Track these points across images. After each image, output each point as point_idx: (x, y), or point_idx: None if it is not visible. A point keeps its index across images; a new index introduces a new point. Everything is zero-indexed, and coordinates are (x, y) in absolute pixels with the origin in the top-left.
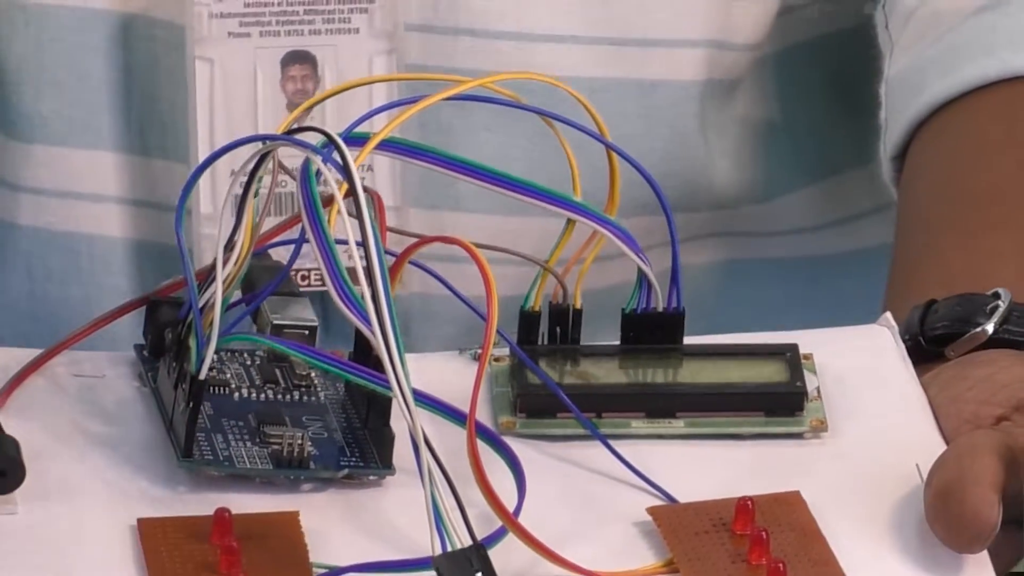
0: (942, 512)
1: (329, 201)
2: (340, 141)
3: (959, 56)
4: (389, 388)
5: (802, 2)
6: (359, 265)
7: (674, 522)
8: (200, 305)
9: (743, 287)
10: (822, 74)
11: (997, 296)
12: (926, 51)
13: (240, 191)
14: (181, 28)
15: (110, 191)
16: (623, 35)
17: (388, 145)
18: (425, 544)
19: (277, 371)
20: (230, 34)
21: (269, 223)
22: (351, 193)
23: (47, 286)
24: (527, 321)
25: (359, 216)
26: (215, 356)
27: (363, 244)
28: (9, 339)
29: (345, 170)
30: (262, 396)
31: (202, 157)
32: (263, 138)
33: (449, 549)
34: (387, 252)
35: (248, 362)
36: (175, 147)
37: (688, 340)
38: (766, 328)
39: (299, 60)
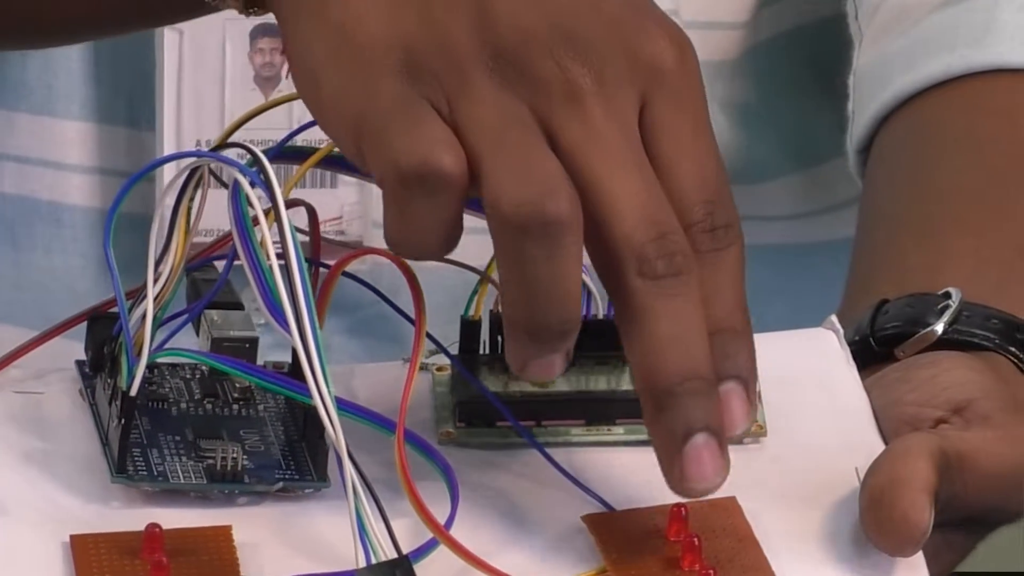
0: (874, 516)
1: (266, 213)
2: (265, 161)
3: (922, 51)
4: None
5: None
6: (279, 278)
7: (608, 529)
8: (133, 321)
9: None
10: (804, 63)
11: (948, 296)
12: (891, 44)
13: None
14: None
15: (93, 161)
16: None
17: (330, 162)
18: (354, 556)
19: (218, 384)
20: None
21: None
22: (275, 212)
23: (31, 256)
24: (468, 329)
25: (281, 234)
26: (155, 370)
27: (285, 259)
28: None
29: (269, 191)
30: (200, 410)
31: (168, 128)
32: (194, 154)
33: (374, 561)
34: (321, 264)
35: (189, 375)
36: (157, 118)
37: None
38: (752, 313)
39: (268, 33)
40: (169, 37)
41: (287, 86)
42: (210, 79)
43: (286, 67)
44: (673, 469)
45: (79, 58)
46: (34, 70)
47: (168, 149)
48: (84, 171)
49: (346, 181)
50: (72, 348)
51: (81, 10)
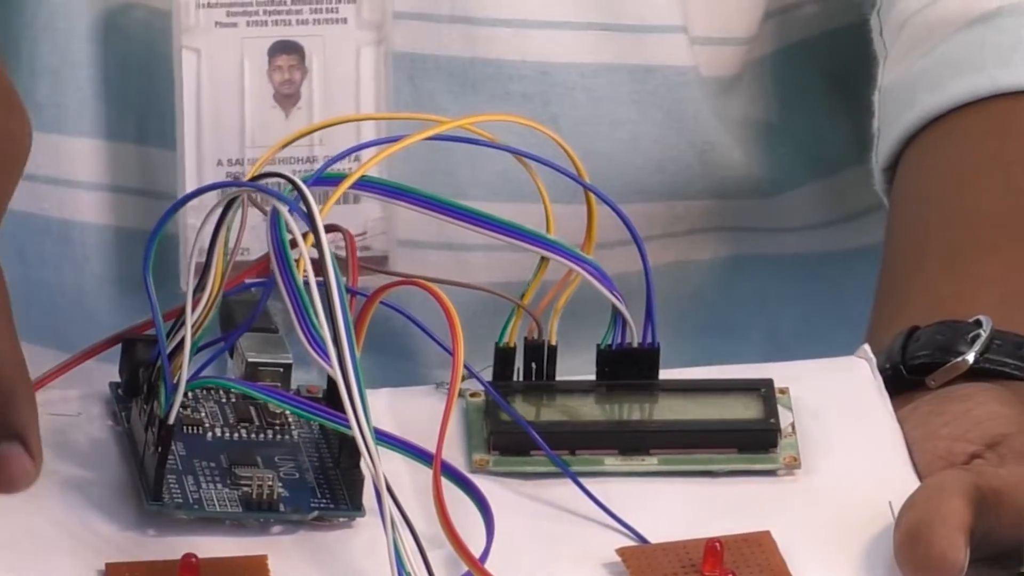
0: (910, 554)
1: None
2: (306, 190)
3: (949, 71)
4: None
5: (799, 0)
6: (320, 308)
7: (643, 563)
8: (170, 349)
9: (746, 284)
10: (821, 72)
11: (979, 324)
12: (917, 63)
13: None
14: (171, 15)
15: (103, 179)
16: (617, 20)
17: (363, 185)
18: None
19: (251, 409)
20: (217, 24)
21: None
22: (315, 238)
23: (41, 273)
24: (502, 357)
25: (322, 264)
26: (190, 394)
27: (326, 289)
28: None
29: (310, 219)
30: (235, 436)
31: (188, 147)
32: (232, 184)
33: None
34: (357, 292)
35: (223, 399)
36: (168, 135)
37: (667, 372)
38: (767, 325)
39: (286, 50)
40: (187, 57)
41: (306, 103)
42: (229, 98)
43: (305, 84)
44: None
45: (88, 76)
46: (44, 88)
47: (190, 169)
48: (94, 188)
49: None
50: (88, 368)
51: None
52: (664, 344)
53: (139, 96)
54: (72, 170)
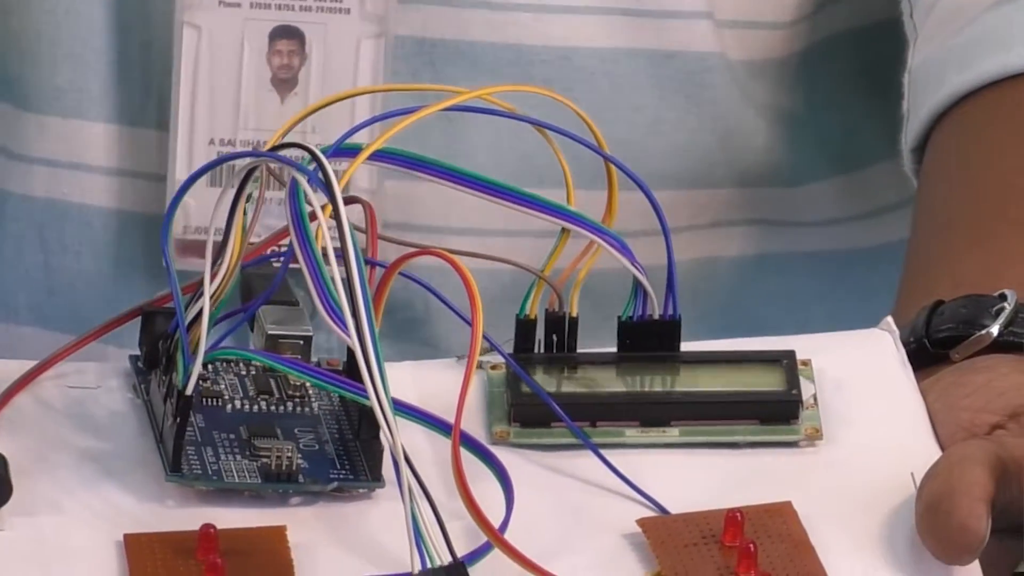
0: (931, 524)
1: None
2: (324, 159)
3: (978, 49)
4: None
5: None
6: (339, 279)
7: (663, 534)
8: (190, 320)
9: (771, 279)
10: (851, 68)
11: (1004, 298)
12: (946, 43)
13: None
14: None
15: (123, 164)
16: (637, 5)
17: (381, 156)
18: (409, 559)
19: (271, 381)
20: (220, 3)
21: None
22: (334, 210)
23: (61, 258)
24: (523, 329)
25: (340, 233)
26: (210, 367)
27: (344, 259)
28: (24, 310)
29: (328, 189)
30: (255, 407)
31: (182, 122)
32: (250, 154)
33: (429, 567)
34: (376, 263)
35: (243, 372)
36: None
37: (687, 345)
38: (793, 321)
39: (287, 35)
40: (188, 33)
41: (303, 90)
42: (226, 78)
43: (304, 70)
44: None
45: (108, 61)
46: (65, 74)
47: (181, 147)
48: (114, 174)
49: (357, 187)
50: (103, 352)
51: None
52: (689, 340)
53: (160, 81)
54: (93, 156)
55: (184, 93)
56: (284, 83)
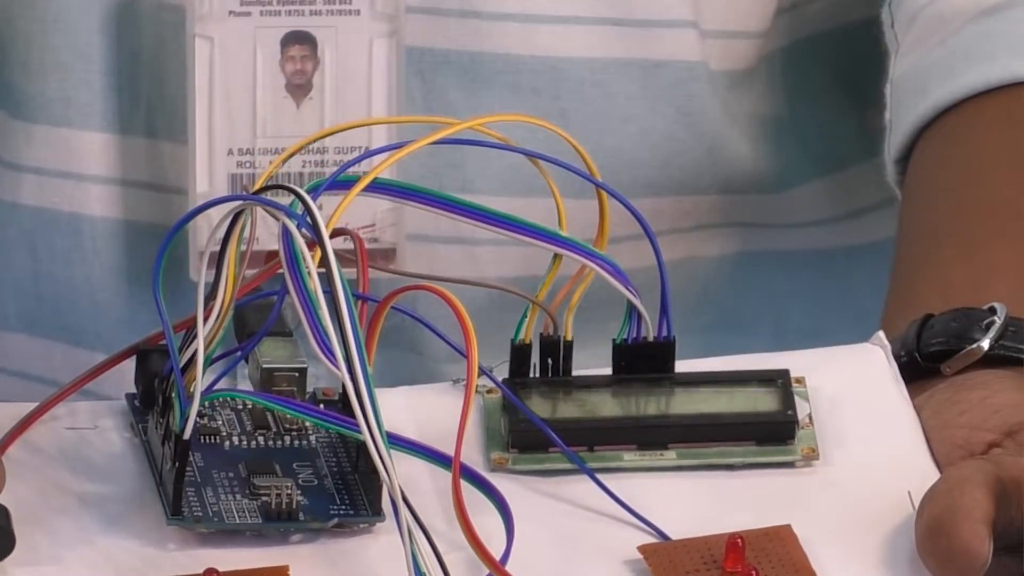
0: (933, 546)
1: (312, 246)
2: (310, 202)
3: (962, 61)
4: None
5: None
6: (329, 323)
7: (665, 561)
8: (184, 362)
9: (754, 280)
10: (830, 69)
11: (993, 311)
12: (929, 54)
13: (217, 247)
14: (182, 8)
15: (113, 172)
16: (626, 15)
17: (375, 187)
18: None
19: (268, 416)
20: (231, 12)
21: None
22: (322, 253)
23: (51, 267)
24: (518, 354)
25: (329, 277)
26: (206, 404)
27: (334, 301)
28: (14, 318)
29: (316, 234)
30: (253, 443)
31: (200, 136)
32: (240, 198)
33: None
34: (367, 298)
35: (240, 407)
36: (178, 129)
37: (682, 364)
38: (775, 321)
39: (299, 40)
40: (200, 45)
41: (318, 94)
42: (241, 87)
43: (317, 75)
44: None
45: (98, 70)
46: (53, 83)
47: (200, 159)
48: (104, 182)
49: None
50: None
51: None
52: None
53: (149, 89)
54: (82, 164)
55: (200, 105)
56: (299, 88)
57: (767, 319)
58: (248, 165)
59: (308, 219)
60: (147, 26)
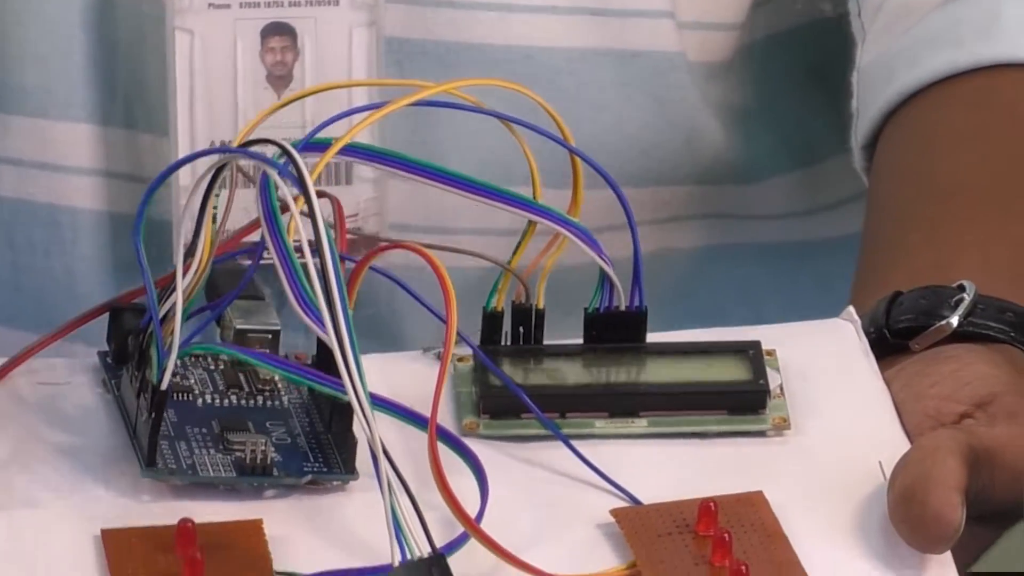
0: (906, 514)
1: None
2: (295, 153)
3: (928, 47)
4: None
5: None
6: (313, 272)
7: (637, 524)
8: (161, 315)
9: (728, 271)
10: (800, 63)
11: (962, 288)
12: (896, 41)
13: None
14: (162, 0)
15: (92, 163)
16: (602, 5)
17: (351, 150)
18: (387, 550)
19: (241, 376)
20: (210, 5)
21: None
22: (307, 202)
23: (30, 258)
24: (490, 321)
25: (314, 225)
26: (178, 362)
27: (318, 251)
28: None
29: (301, 183)
30: (225, 402)
31: (181, 129)
32: (220, 151)
33: (409, 558)
34: (346, 257)
35: (212, 367)
36: (157, 120)
37: (653, 336)
38: (750, 313)
39: (279, 32)
40: (180, 38)
41: (299, 85)
42: (222, 79)
43: (298, 65)
44: None
45: (77, 61)
46: (32, 75)
47: (183, 151)
48: (82, 173)
49: (362, 177)
50: (70, 350)
51: None
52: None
53: (128, 81)
54: (61, 155)
55: (182, 98)
56: (279, 80)
57: (742, 312)
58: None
59: (291, 169)
60: (126, 18)
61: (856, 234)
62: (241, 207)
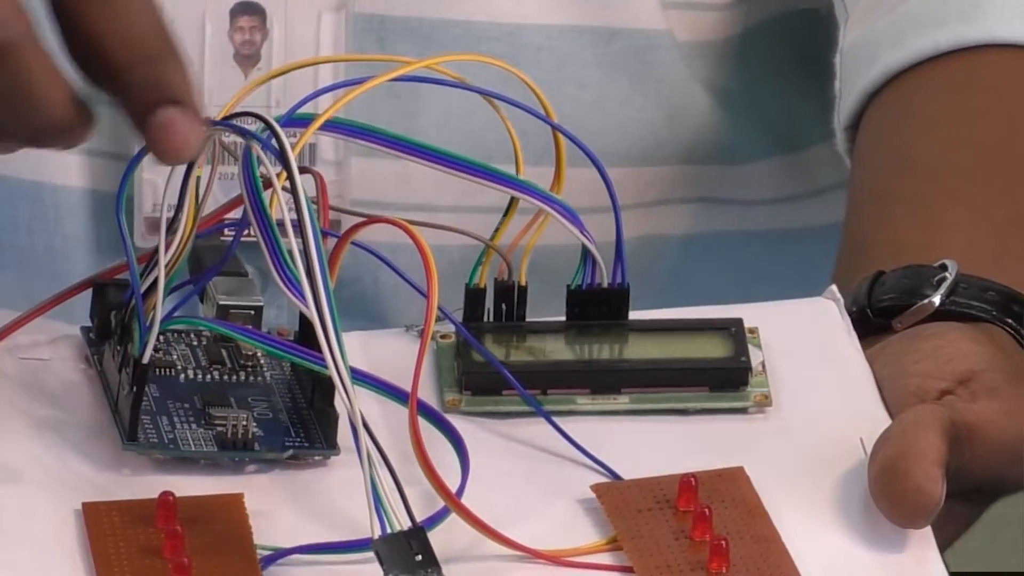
0: (886, 488)
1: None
2: (277, 127)
3: (911, 27)
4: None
5: None
6: (295, 247)
7: (617, 499)
8: (144, 289)
9: (714, 256)
10: (789, 50)
11: (944, 268)
12: (878, 22)
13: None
14: None
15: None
16: None
17: (331, 126)
18: (367, 525)
19: (223, 351)
20: None
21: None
22: (288, 176)
23: (13, 236)
24: (472, 298)
25: (295, 200)
26: (161, 337)
27: (299, 226)
28: None
29: (282, 156)
30: (208, 377)
31: None
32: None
33: (389, 532)
34: (329, 232)
35: (195, 342)
36: None
37: (635, 315)
38: (735, 298)
39: (248, 11)
40: None
41: (266, 64)
42: (190, 56)
43: (266, 45)
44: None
45: (55, 40)
46: None
47: None
48: (66, 151)
49: (324, 160)
50: (52, 327)
51: None
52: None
53: None
54: None
55: None
56: (247, 59)
57: (728, 298)
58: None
59: (274, 142)
60: None
61: (841, 222)
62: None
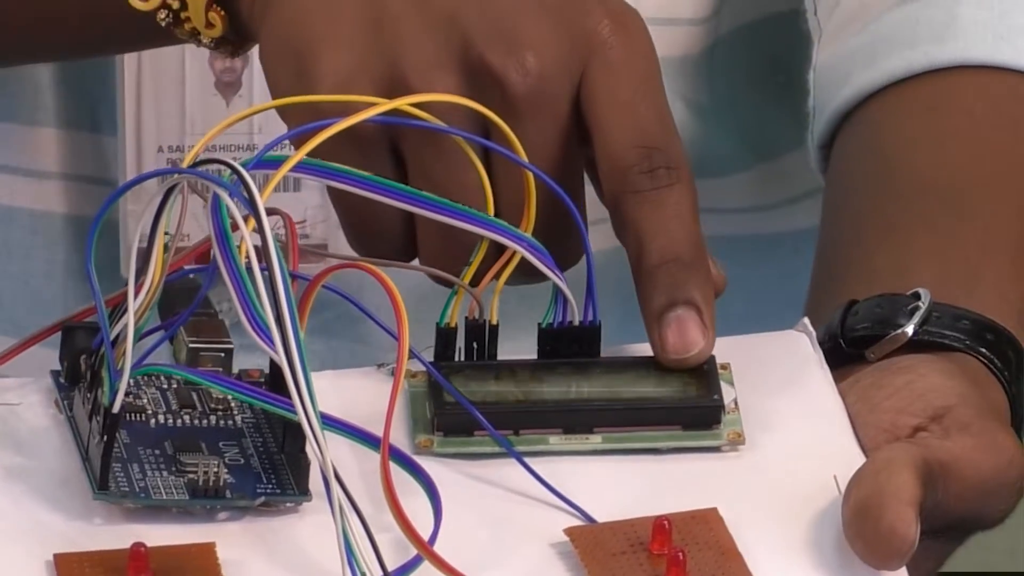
0: (860, 529)
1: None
2: (245, 173)
3: (883, 47)
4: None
5: None
6: (263, 293)
7: (591, 543)
8: (113, 336)
9: None
10: (762, 58)
11: (917, 296)
12: (851, 41)
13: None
14: None
15: (52, 166)
16: None
17: (303, 168)
18: (339, 573)
19: (193, 395)
20: None
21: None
22: (257, 223)
23: None
24: (444, 337)
25: (264, 246)
26: (131, 381)
27: (268, 272)
28: None
29: (251, 204)
30: (178, 422)
31: (129, 133)
32: (172, 171)
33: None
34: (298, 276)
35: (164, 386)
36: (117, 123)
37: (607, 350)
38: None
39: None
40: None
41: (247, 92)
42: (170, 85)
43: (247, 72)
44: (655, 338)
45: (43, 65)
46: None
47: (130, 155)
48: (48, 177)
49: (309, 185)
50: (36, 353)
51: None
52: (612, 328)
53: (91, 84)
54: (26, 159)
55: (129, 102)
56: (228, 86)
57: None
58: (179, 162)
59: (242, 191)
60: None
61: (817, 228)
62: (200, 221)
